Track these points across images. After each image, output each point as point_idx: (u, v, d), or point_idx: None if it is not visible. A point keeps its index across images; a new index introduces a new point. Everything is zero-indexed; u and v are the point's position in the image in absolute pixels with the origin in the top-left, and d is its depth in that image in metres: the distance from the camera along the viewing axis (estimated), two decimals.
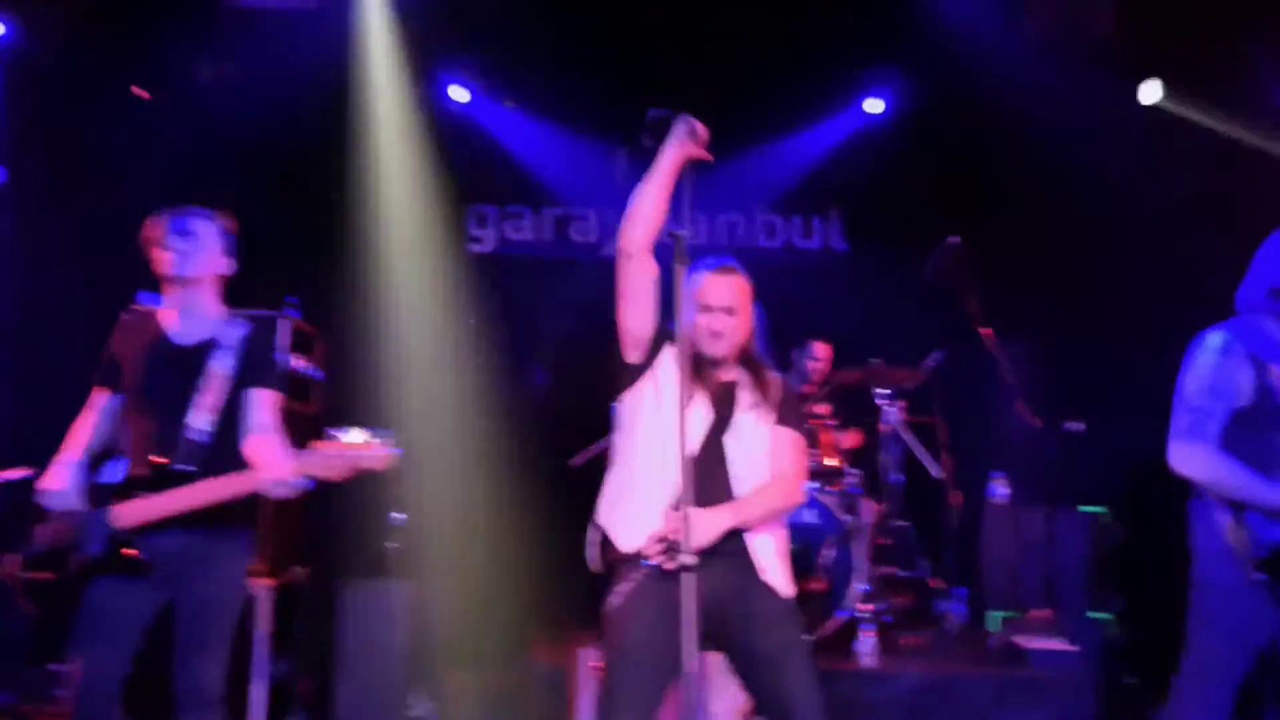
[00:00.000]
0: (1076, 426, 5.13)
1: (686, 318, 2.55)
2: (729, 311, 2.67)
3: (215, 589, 2.80)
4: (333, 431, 2.66)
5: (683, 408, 2.35)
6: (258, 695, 3.94)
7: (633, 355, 2.67)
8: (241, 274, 5.49)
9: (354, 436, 2.66)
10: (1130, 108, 6.01)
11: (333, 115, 5.84)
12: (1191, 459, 2.62)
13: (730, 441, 2.64)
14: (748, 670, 2.59)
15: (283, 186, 5.85)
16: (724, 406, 2.67)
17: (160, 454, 2.75)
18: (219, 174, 5.53)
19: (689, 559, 2.18)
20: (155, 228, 2.90)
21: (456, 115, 6.28)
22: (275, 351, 3.03)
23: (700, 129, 2.65)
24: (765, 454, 2.69)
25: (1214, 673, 2.63)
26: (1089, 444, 5.25)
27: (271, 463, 2.72)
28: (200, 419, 2.78)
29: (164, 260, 2.86)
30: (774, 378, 2.77)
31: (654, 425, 2.59)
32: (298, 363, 4.35)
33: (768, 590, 2.61)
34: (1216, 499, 2.63)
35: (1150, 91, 5.96)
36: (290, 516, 4.35)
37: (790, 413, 2.75)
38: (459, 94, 6.22)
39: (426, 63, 6.05)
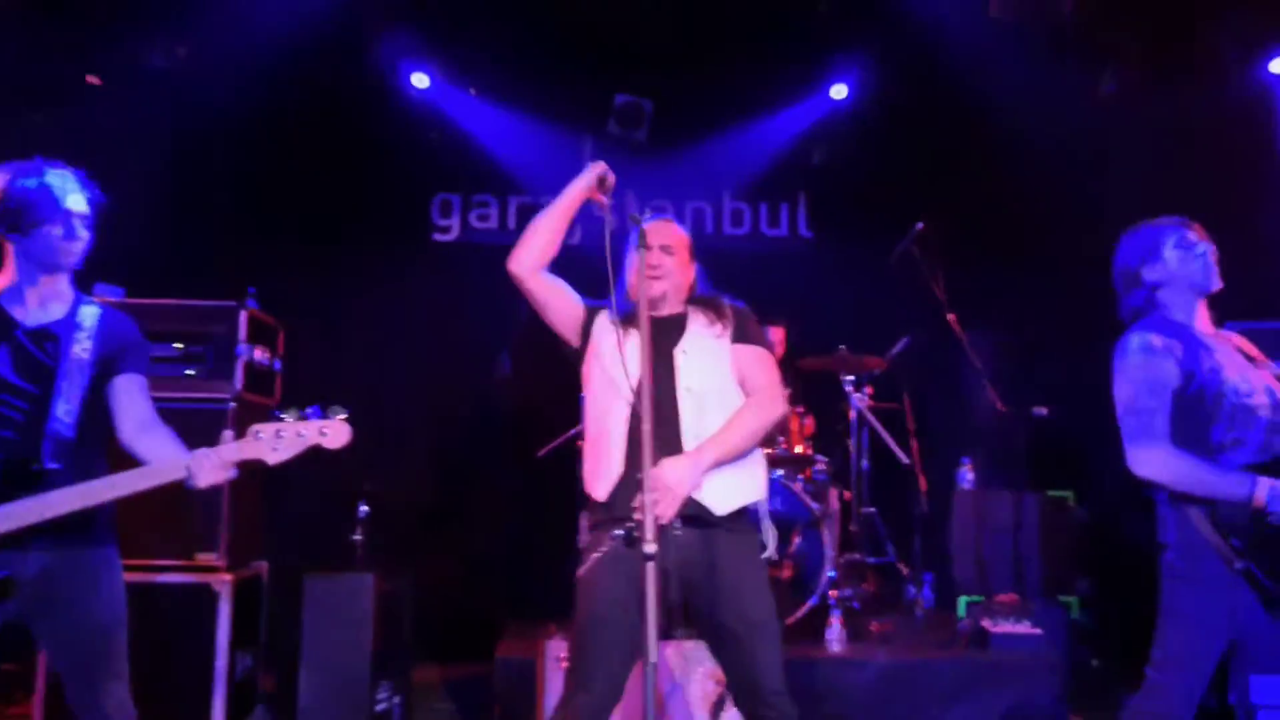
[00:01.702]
0: (1042, 412, 5.16)
1: (630, 264, 2.72)
2: (665, 250, 2.77)
3: (107, 609, 2.55)
4: (278, 414, 2.50)
5: (642, 356, 2.41)
6: (219, 692, 3.88)
7: (573, 340, 2.81)
8: (199, 264, 5.40)
9: (295, 415, 2.49)
10: (1093, 93, 6.05)
11: (292, 103, 5.75)
12: (1150, 462, 2.61)
13: (681, 361, 2.67)
14: (715, 639, 2.63)
15: (240, 175, 5.75)
16: (670, 337, 2.71)
17: (21, 451, 2.46)
18: (172, 162, 5.44)
19: (650, 548, 2.15)
20: (19, 190, 2.54)
21: (419, 102, 6.20)
22: (138, 330, 2.74)
23: (609, 177, 2.76)
24: (726, 373, 2.70)
25: (1187, 663, 2.63)
26: (1055, 429, 5.29)
27: (173, 458, 2.47)
28: (65, 411, 2.50)
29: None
30: (727, 304, 2.81)
31: (603, 382, 2.69)
32: (258, 354, 4.27)
33: (740, 552, 2.60)
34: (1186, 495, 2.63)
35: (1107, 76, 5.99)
36: (251, 509, 4.28)
37: (749, 330, 2.77)
38: (420, 80, 6.14)
39: (388, 49, 5.96)
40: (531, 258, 2.73)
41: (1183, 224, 2.79)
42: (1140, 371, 2.65)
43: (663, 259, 2.76)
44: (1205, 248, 2.76)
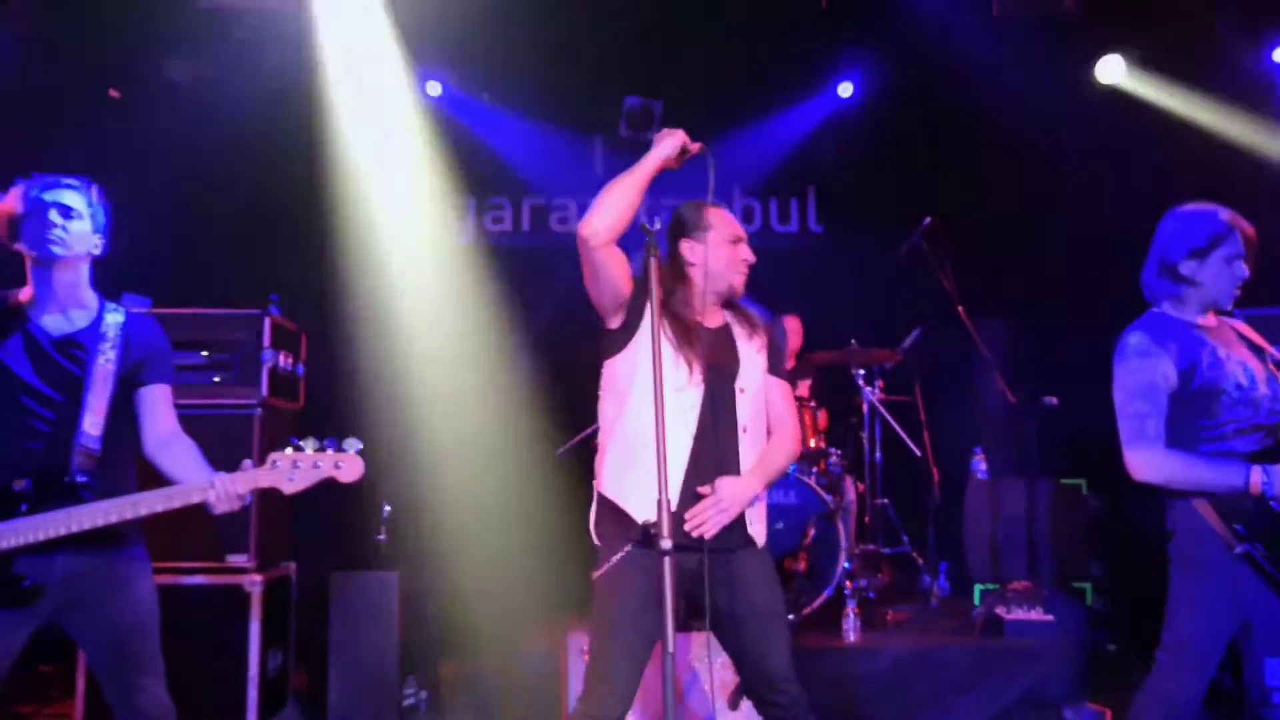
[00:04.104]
0: (1052, 401, 5.21)
1: (712, 254, 2.66)
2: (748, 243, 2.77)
3: (136, 608, 2.60)
4: (294, 440, 2.55)
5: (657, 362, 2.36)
6: (252, 690, 3.98)
7: (614, 320, 2.66)
8: (223, 272, 5.49)
9: (314, 446, 2.54)
10: (1098, 85, 6.09)
11: (310, 112, 5.84)
12: (1145, 465, 2.67)
13: (740, 400, 2.66)
14: (730, 630, 2.64)
15: (262, 185, 5.85)
16: (724, 359, 2.68)
17: (49, 462, 2.49)
18: (197, 173, 5.55)
19: (667, 544, 2.22)
20: (17, 200, 2.58)
21: (433, 108, 6.29)
22: (164, 336, 2.75)
23: (691, 145, 2.66)
24: (764, 404, 2.73)
25: (1196, 647, 2.69)
26: (1065, 418, 5.33)
27: (196, 483, 2.51)
28: (92, 423, 2.52)
29: (31, 238, 2.56)
30: (760, 318, 2.80)
31: (647, 397, 2.50)
32: (282, 360, 4.36)
33: (751, 552, 2.66)
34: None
35: (1110, 70, 6.04)
36: (278, 510, 4.38)
37: (779, 360, 2.79)
38: (433, 88, 6.23)
39: (403, 57, 6.05)
40: (607, 224, 2.53)
41: (1236, 226, 2.75)
42: (1134, 376, 2.70)
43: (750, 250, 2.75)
44: (1244, 272, 2.75)
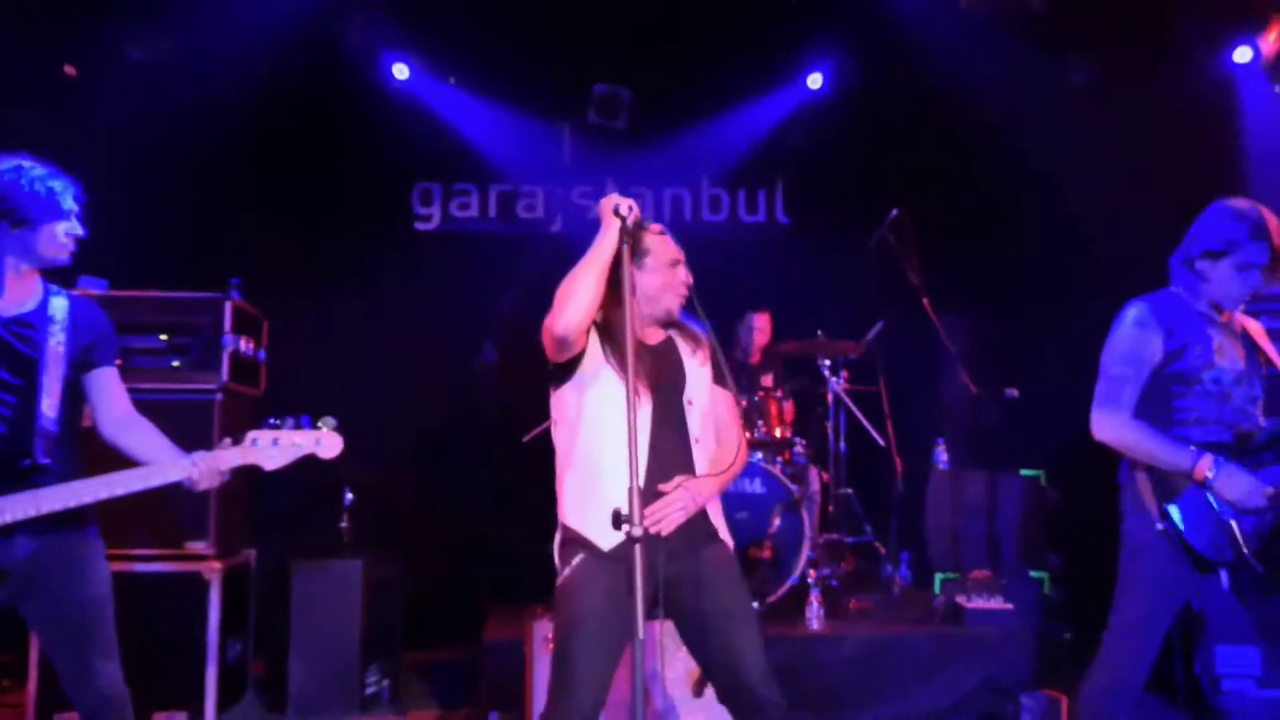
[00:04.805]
0: (1013, 394, 5.28)
1: (650, 278, 2.63)
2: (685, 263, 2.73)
3: (91, 588, 2.59)
4: (271, 420, 2.60)
5: (631, 382, 2.34)
6: (211, 678, 3.94)
7: (561, 357, 2.60)
8: (181, 256, 5.40)
9: (290, 425, 2.58)
10: (1065, 81, 6.16)
11: (273, 94, 5.76)
12: (1106, 425, 2.76)
13: (688, 403, 2.67)
14: (696, 631, 2.62)
15: (221, 167, 5.76)
16: (670, 375, 2.68)
17: (11, 445, 2.49)
18: (154, 155, 5.44)
19: (636, 531, 2.22)
20: (28, 181, 2.57)
21: (400, 93, 6.22)
22: (107, 319, 2.74)
23: (632, 215, 2.53)
24: (710, 412, 2.74)
25: (1139, 629, 2.77)
26: (1027, 410, 5.41)
27: (175, 460, 2.53)
28: (49, 405, 2.53)
29: None
30: (700, 332, 2.78)
31: (604, 413, 2.55)
32: (243, 345, 4.30)
33: (717, 549, 2.66)
34: (1140, 462, 2.76)
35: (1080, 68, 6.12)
36: (239, 497, 4.33)
37: (722, 370, 2.79)
38: (400, 71, 6.16)
39: (369, 40, 5.98)
40: (578, 320, 2.49)
41: (1262, 235, 2.75)
42: (1125, 343, 2.79)
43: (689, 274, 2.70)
44: (1257, 283, 2.78)
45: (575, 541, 2.58)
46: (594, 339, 2.61)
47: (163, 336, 4.11)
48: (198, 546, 4.02)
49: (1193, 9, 5.75)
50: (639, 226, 2.62)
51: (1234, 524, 2.64)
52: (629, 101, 6.16)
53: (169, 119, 5.41)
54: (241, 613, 4.35)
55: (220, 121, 5.60)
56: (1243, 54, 5.96)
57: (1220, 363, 2.76)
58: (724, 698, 2.63)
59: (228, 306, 4.16)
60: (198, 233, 5.72)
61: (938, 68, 5.77)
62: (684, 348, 2.74)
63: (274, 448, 2.58)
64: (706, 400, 2.73)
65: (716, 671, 2.62)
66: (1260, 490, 2.63)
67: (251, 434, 2.59)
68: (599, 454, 2.54)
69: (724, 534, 2.71)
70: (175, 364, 4.11)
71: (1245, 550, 2.63)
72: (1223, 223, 2.79)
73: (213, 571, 3.98)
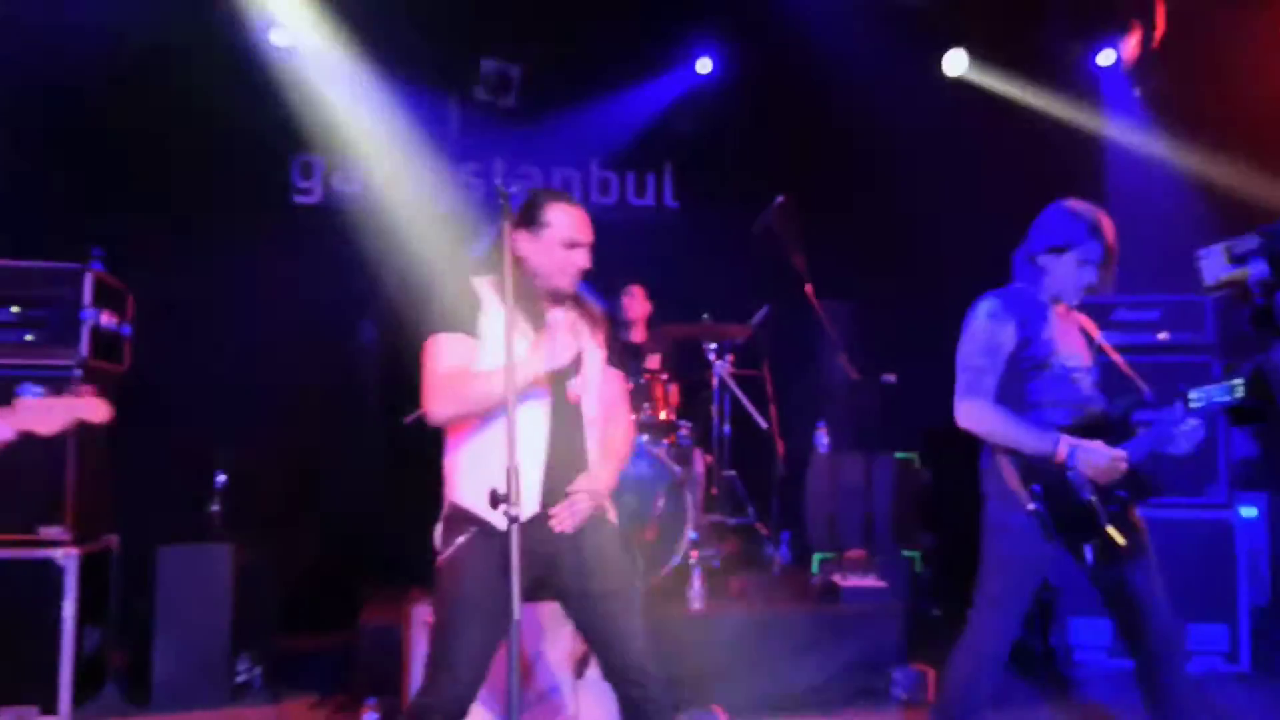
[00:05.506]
0: (890, 379, 5.44)
1: (543, 253, 2.59)
2: (590, 247, 2.67)
3: None
4: (21, 389, 2.52)
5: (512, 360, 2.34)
6: (65, 669, 3.75)
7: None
8: (41, 226, 5.10)
9: (38, 391, 2.52)
10: (941, 73, 6.36)
11: (146, 55, 5.46)
12: (970, 414, 2.90)
13: (582, 382, 2.66)
14: (581, 611, 2.64)
15: (86, 133, 5.44)
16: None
17: None
18: (7, 118, 5.10)
19: (515, 511, 2.20)
20: None
21: (279, 60, 5.97)
22: None
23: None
24: (601, 391, 2.75)
25: (1003, 604, 2.91)
26: (903, 394, 5.58)
27: None
28: None
29: None
30: (598, 309, 2.79)
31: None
32: (105, 319, 4.08)
33: (602, 529, 2.67)
34: (1001, 447, 2.90)
35: (954, 63, 6.35)
36: (100, 480, 4.13)
37: (614, 351, 2.82)
38: (280, 37, 5.91)
39: (249, 4, 5.72)
40: (457, 418, 2.57)
41: (1099, 234, 2.92)
42: (981, 334, 2.92)
43: (588, 258, 2.66)
44: (1093, 278, 2.95)
45: (464, 519, 2.55)
46: (487, 312, 2.59)
47: (13, 308, 3.87)
48: (52, 532, 3.81)
49: (1058, 15, 6.02)
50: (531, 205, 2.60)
51: (1094, 499, 2.79)
52: (518, 79, 6.08)
53: (24, 81, 5.07)
54: (102, 601, 4.15)
55: (83, 85, 5.28)
56: (1106, 57, 6.27)
57: (1065, 350, 2.94)
58: (607, 675, 2.66)
59: (88, 278, 3.96)
60: (60, 203, 5.39)
61: (823, 56, 5.87)
62: (580, 326, 2.72)
63: (47, 411, 2.50)
64: (599, 380, 2.74)
65: (600, 650, 2.65)
66: (1119, 460, 2.79)
67: (21, 400, 2.50)
68: (495, 430, 2.50)
69: (610, 514, 2.72)
70: (29, 337, 3.89)
71: (1105, 525, 2.78)
72: (1063, 221, 2.97)
73: (68, 558, 3.78)
